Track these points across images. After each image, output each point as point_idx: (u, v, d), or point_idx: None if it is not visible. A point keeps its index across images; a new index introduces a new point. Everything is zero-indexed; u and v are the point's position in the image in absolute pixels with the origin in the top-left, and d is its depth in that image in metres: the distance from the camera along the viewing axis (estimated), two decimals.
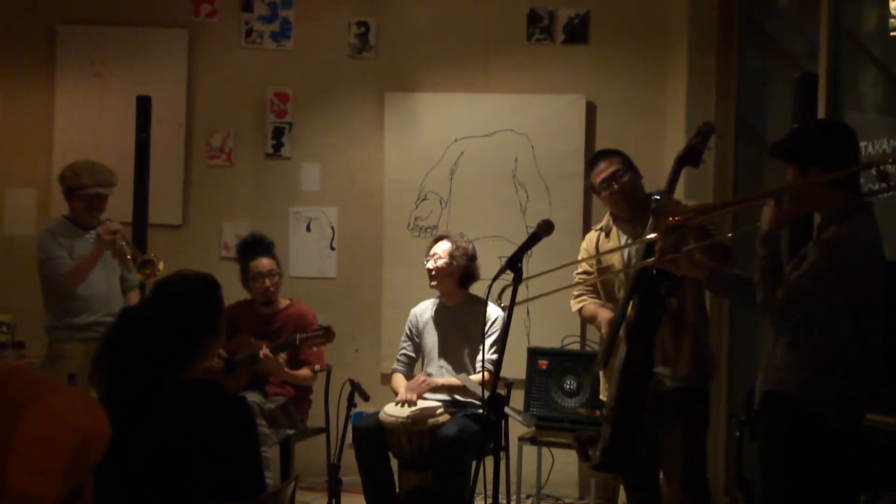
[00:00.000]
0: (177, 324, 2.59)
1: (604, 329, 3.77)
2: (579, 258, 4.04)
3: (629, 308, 3.53)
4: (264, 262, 4.92)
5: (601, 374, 3.93)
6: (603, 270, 3.87)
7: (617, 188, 3.78)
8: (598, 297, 3.95)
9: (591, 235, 4.00)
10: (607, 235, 3.89)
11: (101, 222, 4.69)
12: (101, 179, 4.73)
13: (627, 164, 3.83)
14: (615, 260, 3.80)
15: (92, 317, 4.68)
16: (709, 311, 4.00)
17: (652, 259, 3.32)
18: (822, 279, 2.88)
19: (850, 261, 2.87)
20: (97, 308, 4.69)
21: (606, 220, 3.94)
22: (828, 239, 2.90)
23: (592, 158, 3.95)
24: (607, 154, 3.88)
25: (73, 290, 4.62)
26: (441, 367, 4.67)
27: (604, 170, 3.81)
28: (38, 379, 1.73)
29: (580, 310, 4.01)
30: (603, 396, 3.92)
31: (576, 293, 4.04)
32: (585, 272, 3.99)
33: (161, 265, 4.66)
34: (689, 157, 3.59)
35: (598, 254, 3.88)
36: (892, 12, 3.90)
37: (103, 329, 4.69)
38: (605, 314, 3.81)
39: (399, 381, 4.75)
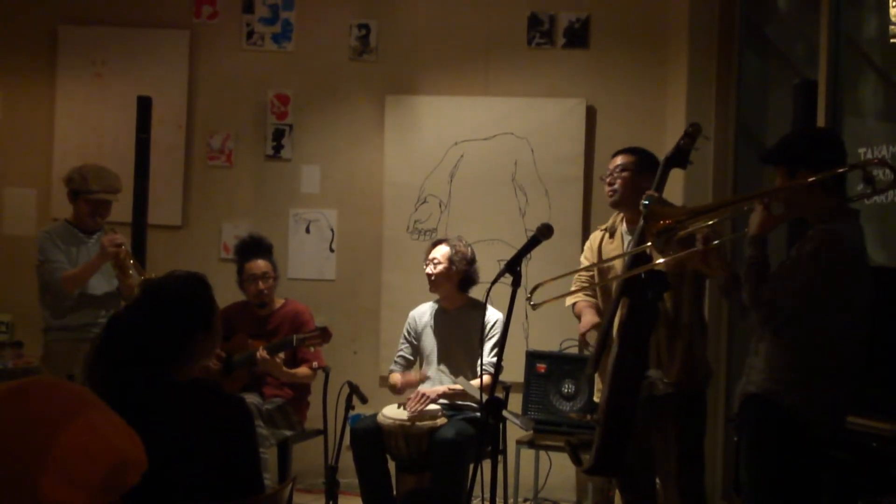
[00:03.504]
0: (166, 322, 2.58)
1: (585, 333, 3.78)
2: (582, 255, 4.05)
3: (618, 311, 3.53)
4: (259, 265, 4.90)
5: (596, 376, 3.91)
6: (603, 271, 3.87)
7: (608, 181, 3.81)
8: (594, 296, 3.95)
9: (596, 235, 4.00)
10: (611, 236, 3.89)
11: (103, 227, 4.71)
12: (108, 186, 4.73)
13: (639, 166, 3.78)
14: (616, 262, 3.80)
15: (86, 318, 4.68)
16: (706, 317, 3.97)
17: (687, 251, 3.24)
18: (802, 278, 2.89)
19: (830, 262, 2.88)
20: (93, 310, 4.69)
21: (612, 220, 3.93)
22: (811, 240, 2.92)
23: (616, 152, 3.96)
24: (627, 150, 3.89)
25: (70, 294, 4.63)
26: (440, 370, 4.66)
27: (612, 162, 3.85)
28: (84, 394, 1.76)
29: (573, 305, 4.02)
30: (597, 399, 3.91)
31: (573, 288, 4.04)
32: (586, 268, 4.00)
33: None
34: (677, 158, 3.61)
35: (600, 254, 3.89)
36: (893, 19, 3.90)
37: (98, 331, 4.72)
38: (586, 320, 3.82)
39: (396, 377, 4.72)
